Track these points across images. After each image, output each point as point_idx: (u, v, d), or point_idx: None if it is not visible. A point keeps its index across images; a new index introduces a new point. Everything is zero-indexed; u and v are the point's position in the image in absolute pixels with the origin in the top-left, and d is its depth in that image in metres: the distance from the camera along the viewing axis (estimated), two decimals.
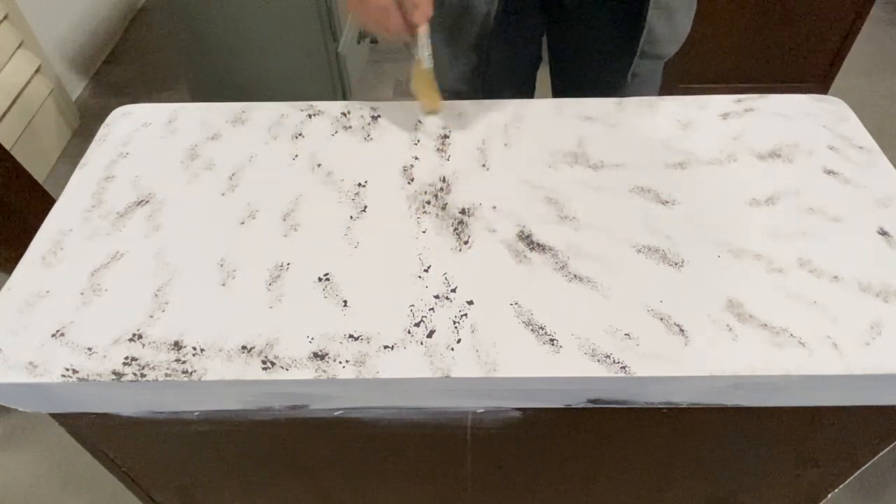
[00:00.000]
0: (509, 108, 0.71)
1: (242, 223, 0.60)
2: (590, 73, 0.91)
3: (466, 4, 0.80)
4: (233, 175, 0.65)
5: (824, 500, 0.73)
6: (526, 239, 0.58)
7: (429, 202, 0.62)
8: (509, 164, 0.65)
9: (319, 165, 0.65)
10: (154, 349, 0.51)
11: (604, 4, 0.83)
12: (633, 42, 0.81)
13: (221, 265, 0.56)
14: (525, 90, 0.99)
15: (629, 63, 0.83)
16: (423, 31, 0.63)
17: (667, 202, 0.61)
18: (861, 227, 0.59)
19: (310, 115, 0.71)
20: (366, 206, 0.61)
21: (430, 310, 0.53)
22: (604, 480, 0.69)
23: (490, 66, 0.86)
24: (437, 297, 0.54)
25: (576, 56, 0.92)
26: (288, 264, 0.56)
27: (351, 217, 0.60)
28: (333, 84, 1.79)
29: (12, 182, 1.33)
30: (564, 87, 0.98)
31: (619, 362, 0.49)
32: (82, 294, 0.55)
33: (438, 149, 0.67)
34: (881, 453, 0.63)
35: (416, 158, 0.66)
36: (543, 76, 1.00)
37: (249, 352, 0.50)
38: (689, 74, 1.76)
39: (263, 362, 0.50)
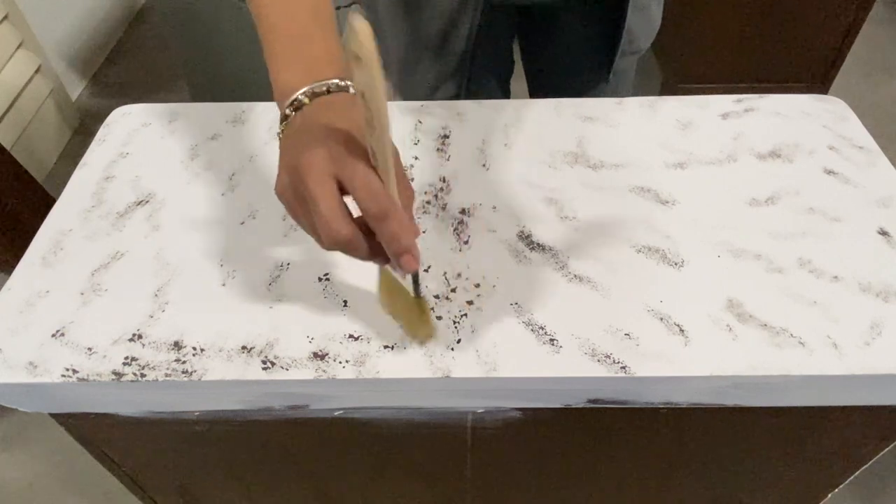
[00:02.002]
0: (509, 108, 0.71)
1: (242, 223, 0.60)
2: (567, 76, 0.91)
3: (445, 34, 0.78)
4: (233, 175, 0.65)
5: (824, 500, 0.73)
6: (526, 239, 0.58)
7: (429, 202, 0.62)
8: (509, 164, 0.65)
9: None
10: (154, 349, 0.51)
11: (577, 9, 0.83)
12: (610, 43, 0.81)
13: (221, 265, 0.56)
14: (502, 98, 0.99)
15: (608, 63, 0.83)
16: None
17: (667, 202, 0.61)
18: (861, 227, 0.59)
19: None
20: None
21: (430, 309, 0.53)
22: (604, 480, 0.69)
23: (471, 85, 0.85)
24: (437, 297, 0.54)
25: (553, 61, 0.92)
26: (288, 264, 0.56)
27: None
28: None
29: (12, 182, 1.33)
30: (543, 90, 0.97)
31: (619, 362, 0.49)
32: (82, 294, 0.55)
33: (438, 149, 0.67)
34: (881, 453, 0.63)
35: (416, 158, 0.66)
36: (522, 86, 1.00)
37: (249, 352, 0.50)
38: (689, 74, 1.76)
39: (263, 362, 0.50)
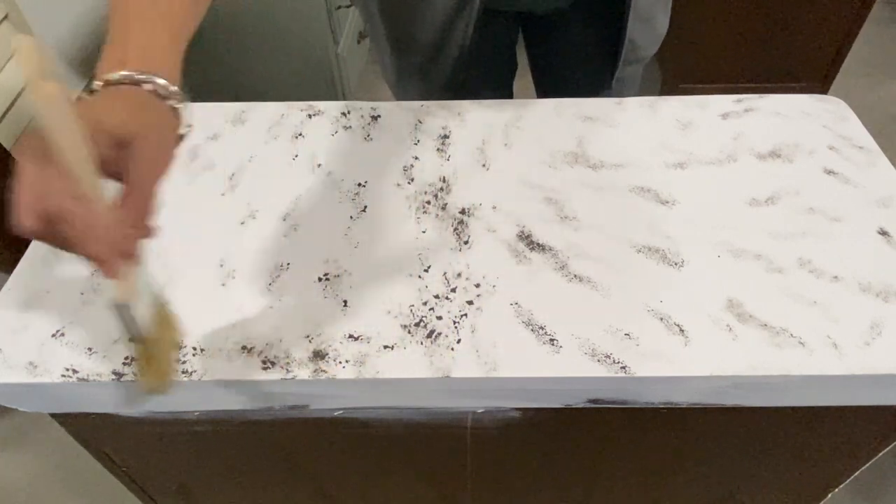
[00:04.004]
0: (509, 108, 0.71)
1: (242, 223, 0.60)
2: (571, 80, 0.91)
3: (439, 43, 0.77)
4: (233, 175, 0.65)
5: (824, 500, 0.73)
6: (526, 239, 0.58)
7: (429, 202, 0.62)
8: (509, 164, 0.65)
9: (319, 165, 0.65)
10: None
11: (580, 17, 0.83)
12: (614, 52, 0.80)
13: (221, 265, 0.56)
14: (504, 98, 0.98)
15: (611, 70, 0.83)
16: (124, 290, 0.39)
17: (667, 202, 0.61)
18: (861, 227, 0.59)
19: (310, 115, 0.71)
20: (366, 206, 0.61)
21: (430, 310, 0.53)
22: (604, 480, 0.69)
23: (468, 86, 0.84)
24: (437, 297, 0.54)
25: (556, 65, 0.92)
26: (288, 264, 0.56)
27: (351, 217, 0.60)
28: (333, 84, 1.80)
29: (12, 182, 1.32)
30: (547, 94, 0.97)
31: (619, 362, 0.49)
32: (82, 294, 0.54)
33: (438, 149, 0.67)
34: (881, 453, 0.63)
35: (416, 158, 0.66)
36: (526, 84, 1.00)
37: (249, 352, 0.50)
38: (689, 74, 1.76)
39: (263, 362, 0.50)
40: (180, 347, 0.50)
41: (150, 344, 0.43)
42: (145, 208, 0.40)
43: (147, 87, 0.42)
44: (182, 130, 0.45)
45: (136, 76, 0.42)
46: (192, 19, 0.48)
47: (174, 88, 0.43)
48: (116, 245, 0.38)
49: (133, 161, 0.39)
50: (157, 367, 0.45)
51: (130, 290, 0.40)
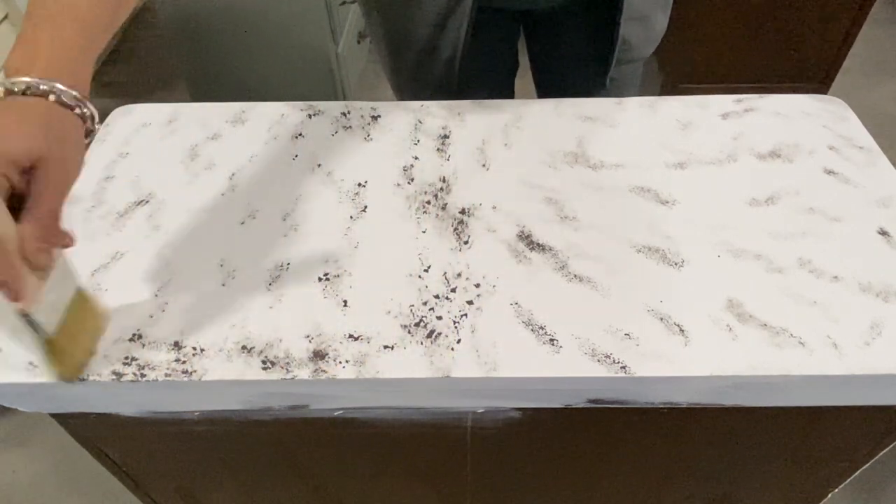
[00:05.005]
0: (509, 108, 0.71)
1: (242, 223, 0.60)
2: (569, 79, 0.91)
3: (433, 41, 0.77)
4: (233, 175, 0.65)
5: (824, 500, 0.73)
6: (526, 239, 0.58)
7: (429, 202, 0.62)
8: (509, 164, 0.65)
9: (319, 165, 0.65)
10: (154, 349, 0.51)
11: (577, 15, 0.83)
12: (608, 51, 0.80)
13: (221, 265, 0.56)
14: (504, 97, 0.98)
15: (606, 70, 0.83)
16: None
17: (667, 202, 0.61)
18: (861, 227, 0.59)
19: (310, 115, 0.71)
20: (366, 206, 0.61)
21: (430, 310, 0.53)
22: (604, 480, 0.69)
23: (468, 85, 0.83)
24: (437, 297, 0.54)
25: (554, 63, 0.92)
26: (288, 264, 0.56)
27: (351, 217, 0.60)
28: (333, 84, 1.80)
29: None
30: (546, 92, 0.97)
31: (619, 362, 0.49)
32: None
33: (438, 149, 0.67)
34: (881, 453, 0.63)
35: (416, 158, 0.66)
36: (526, 84, 1.00)
37: (249, 352, 0.50)
38: (689, 74, 1.76)
39: (263, 362, 0.50)
40: (103, 330, 0.52)
41: (61, 337, 0.46)
42: (53, 223, 0.41)
43: (52, 97, 0.41)
44: (89, 137, 0.45)
45: (41, 86, 0.41)
46: (110, 22, 0.47)
47: (79, 97, 0.43)
48: (27, 264, 0.39)
49: (39, 181, 0.40)
50: (68, 358, 0.48)
51: (34, 301, 0.41)
